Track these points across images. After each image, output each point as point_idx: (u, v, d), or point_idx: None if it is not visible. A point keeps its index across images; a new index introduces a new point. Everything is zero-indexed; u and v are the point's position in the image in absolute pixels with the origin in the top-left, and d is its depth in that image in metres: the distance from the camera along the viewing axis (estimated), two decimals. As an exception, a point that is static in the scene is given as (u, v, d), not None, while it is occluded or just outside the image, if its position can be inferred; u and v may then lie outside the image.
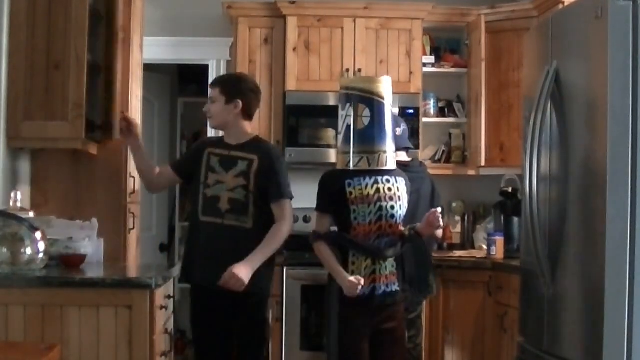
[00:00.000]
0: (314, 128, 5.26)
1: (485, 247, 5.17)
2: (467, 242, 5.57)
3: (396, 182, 3.57)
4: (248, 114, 3.79)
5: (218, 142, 3.85)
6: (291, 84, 5.28)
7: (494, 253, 4.96)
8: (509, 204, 5.22)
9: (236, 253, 3.58)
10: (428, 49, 5.51)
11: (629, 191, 2.75)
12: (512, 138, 5.23)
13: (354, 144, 3.50)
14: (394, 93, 3.68)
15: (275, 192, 3.67)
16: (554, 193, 3.12)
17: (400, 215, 3.54)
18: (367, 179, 3.52)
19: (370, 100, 3.51)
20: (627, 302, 2.75)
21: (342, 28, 5.30)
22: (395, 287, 3.53)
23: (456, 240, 5.60)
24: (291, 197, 3.72)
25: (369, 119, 3.50)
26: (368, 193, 3.50)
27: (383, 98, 3.52)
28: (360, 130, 3.50)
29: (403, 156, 4.26)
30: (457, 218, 5.65)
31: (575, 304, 2.99)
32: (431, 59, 5.49)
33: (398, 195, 3.55)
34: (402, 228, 3.57)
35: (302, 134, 5.26)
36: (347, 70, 5.23)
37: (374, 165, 3.50)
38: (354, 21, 5.31)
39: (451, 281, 4.92)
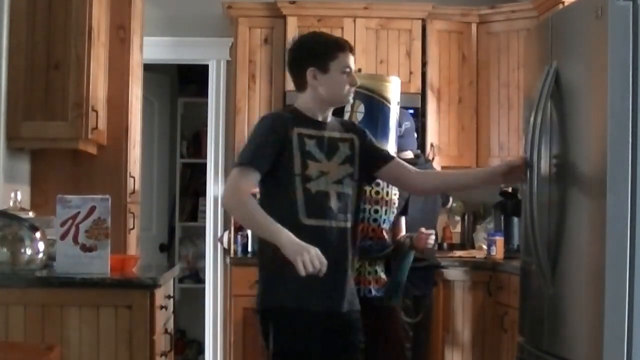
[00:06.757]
0: (314, 128, 5.25)
1: (485, 247, 5.17)
2: (467, 242, 5.57)
3: (387, 186, 3.47)
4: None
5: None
6: (291, 84, 5.25)
7: (494, 253, 4.96)
8: (509, 204, 5.22)
9: None
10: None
11: (629, 191, 2.75)
12: (512, 138, 5.24)
13: None
14: (393, 93, 3.67)
15: None
16: (554, 193, 3.11)
17: (384, 219, 3.46)
18: None
19: (368, 98, 3.47)
20: (627, 302, 2.75)
21: (342, 28, 5.29)
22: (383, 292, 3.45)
23: (456, 240, 5.60)
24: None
25: (362, 114, 3.47)
26: None
27: (383, 97, 3.49)
28: None
29: (409, 154, 4.26)
30: (457, 218, 5.65)
31: (575, 304, 2.99)
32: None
33: (386, 200, 3.46)
34: (385, 234, 3.48)
35: (302, 134, 5.26)
36: (347, 70, 5.24)
37: None
38: (354, 21, 5.31)
39: (451, 281, 4.92)
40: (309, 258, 2.75)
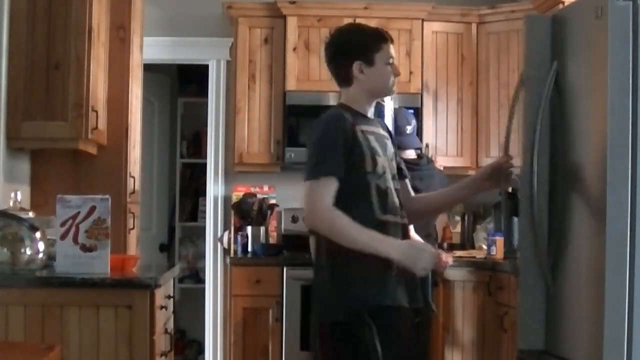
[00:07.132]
0: (314, 128, 5.26)
1: (485, 247, 5.17)
2: (467, 242, 5.58)
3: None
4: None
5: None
6: (291, 84, 5.28)
7: (494, 253, 4.96)
8: (509, 204, 5.22)
9: None
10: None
11: (629, 191, 2.75)
12: (512, 138, 5.23)
13: None
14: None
15: None
16: (554, 193, 3.11)
17: None
18: None
19: None
20: (627, 302, 2.74)
21: (342, 28, 5.30)
22: None
23: (456, 240, 5.60)
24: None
25: None
26: None
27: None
28: None
29: (411, 154, 4.28)
30: (457, 218, 5.65)
31: (575, 304, 2.99)
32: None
33: None
34: None
35: (302, 134, 5.26)
36: (347, 70, 5.24)
37: None
38: (354, 21, 5.31)
39: (451, 281, 4.92)
40: (431, 260, 2.84)
